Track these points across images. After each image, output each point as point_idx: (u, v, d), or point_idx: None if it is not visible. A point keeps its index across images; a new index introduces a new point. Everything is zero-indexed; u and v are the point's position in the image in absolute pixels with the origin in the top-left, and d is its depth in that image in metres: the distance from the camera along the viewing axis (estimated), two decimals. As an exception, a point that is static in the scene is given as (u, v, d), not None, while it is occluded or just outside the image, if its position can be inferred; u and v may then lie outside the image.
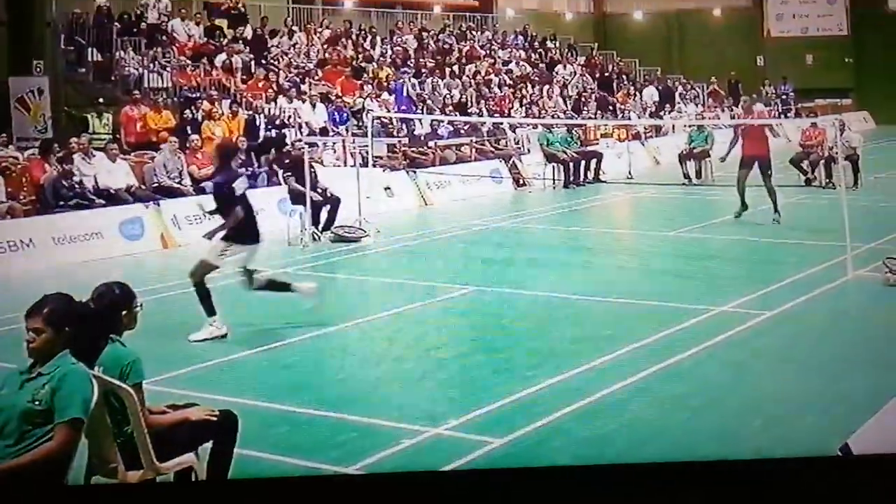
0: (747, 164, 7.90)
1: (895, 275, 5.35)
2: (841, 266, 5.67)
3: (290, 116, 10.17)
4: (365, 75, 12.03)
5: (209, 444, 2.67)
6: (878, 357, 4.03)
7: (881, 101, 18.16)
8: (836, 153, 8.00)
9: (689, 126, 11.88)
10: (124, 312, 2.66)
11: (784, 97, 18.18)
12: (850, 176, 9.36)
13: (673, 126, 13.02)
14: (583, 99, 14.16)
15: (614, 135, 12.91)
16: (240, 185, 4.61)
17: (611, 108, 14.46)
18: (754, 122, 8.66)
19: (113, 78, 10.23)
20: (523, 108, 12.93)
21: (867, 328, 4.61)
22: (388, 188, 9.30)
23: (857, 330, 4.60)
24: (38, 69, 9.77)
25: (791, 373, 3.94)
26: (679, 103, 15.57)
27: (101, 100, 9.35)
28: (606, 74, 15.79)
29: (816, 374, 3.89)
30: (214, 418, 2.66)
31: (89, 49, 10.37)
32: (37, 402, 2.30)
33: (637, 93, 15.47)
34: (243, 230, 4.54)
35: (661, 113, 14.49)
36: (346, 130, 10.28)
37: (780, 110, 17.84)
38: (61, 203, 7.31)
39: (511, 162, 10.99)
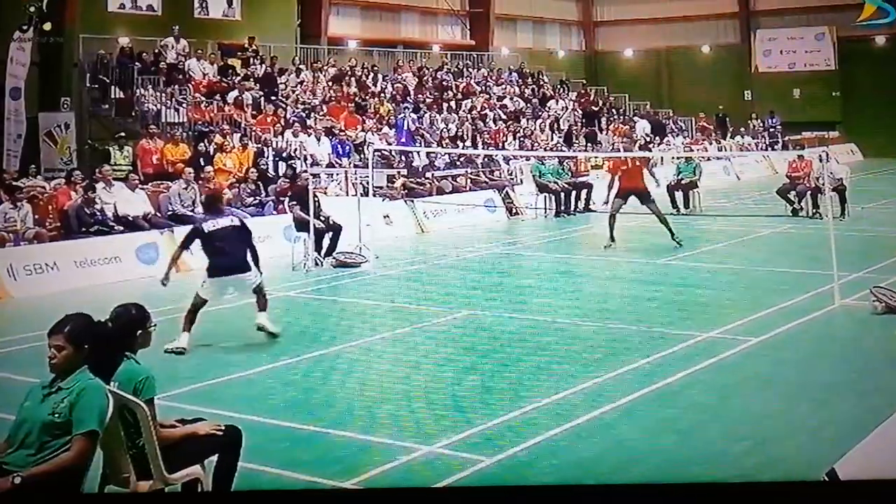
0: (623, 195, 8.15)
1: (882, 303, 5.28)
2: (828, 294, 5.64)
3: (296, 149, 10.43)
4: (367, 110, 12.37)
5: (215, 458, 2.76)
6: (865, 384, 3.98)
7: (868, 133, 18.18)
8: (823, 184, 8.01)
9: (678, 158, 12.12)
10: (139, 332, 2.78)
11: (771, 130, 18.40)
12: (838, 206, 9.31)
13: (661, 158, 13.25)
14: (573, 132, 14.44)
15: (604, 166, 13.16)
16: (206, 226, 5.00)
17: (600, 141, 14.73)
18: (623, 155, 9.02)
19: (133, 113, 10.57)
20: (517, 140, 13.18)
21: (854, 355, 4.53)
22: (387, 216, 9.48)
23: (844, 357, 4.52)
24: (66, 105, 10.19)
25: (778, 398, 3.86)
26: (668, 136, 15.86)
27: (122, 133, 9.64)
28: (596, 109, 16.09)
29: (803, 399, 3.82)
30: (220, 433, 2.76)
31: (112, 87, 10.78)
32: (56, 415, 2.40)
33: (623, 125, 15.75)
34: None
35: (651, 145, 14.76)
36: (349, 162, 10.54)
37: (768, 143, 18.11)
38: (84, 229, 7.54)
39: (504, 192, 11.17)
